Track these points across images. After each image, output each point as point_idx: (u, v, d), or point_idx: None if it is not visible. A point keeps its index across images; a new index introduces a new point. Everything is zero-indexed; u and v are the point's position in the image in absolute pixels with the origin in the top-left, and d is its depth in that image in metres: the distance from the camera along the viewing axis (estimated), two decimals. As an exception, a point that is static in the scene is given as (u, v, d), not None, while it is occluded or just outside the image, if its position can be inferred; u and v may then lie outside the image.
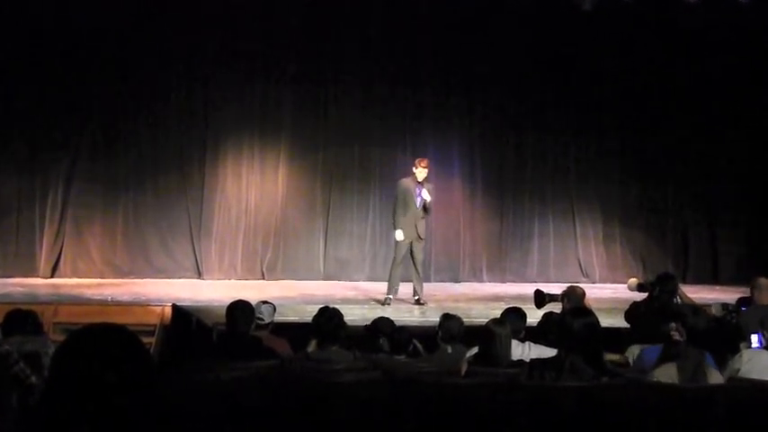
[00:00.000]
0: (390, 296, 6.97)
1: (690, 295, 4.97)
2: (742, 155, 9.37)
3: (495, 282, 9.04)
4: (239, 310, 3.99)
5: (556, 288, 5.02)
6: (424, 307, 6.77)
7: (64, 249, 8.45)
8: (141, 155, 8.67)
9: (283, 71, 8.95)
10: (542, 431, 2.12)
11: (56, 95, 8.43)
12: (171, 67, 8.68)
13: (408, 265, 7.09)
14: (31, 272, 8.25)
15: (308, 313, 5.19)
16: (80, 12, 8.29)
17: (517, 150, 9.38)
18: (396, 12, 8.94)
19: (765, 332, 3.66)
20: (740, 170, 9.39)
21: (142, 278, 8.33)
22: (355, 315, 5.67)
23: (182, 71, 8.72)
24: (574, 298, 4.44)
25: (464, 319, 4.32)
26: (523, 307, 4.32)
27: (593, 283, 8.96)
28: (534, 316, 4.42)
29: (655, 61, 9.16)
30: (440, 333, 4.17)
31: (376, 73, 9.10)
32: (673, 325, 3.32)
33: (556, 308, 4.51)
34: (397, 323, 4.46)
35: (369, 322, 4.34)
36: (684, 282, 7.82)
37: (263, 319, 4.23)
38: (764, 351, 3.50)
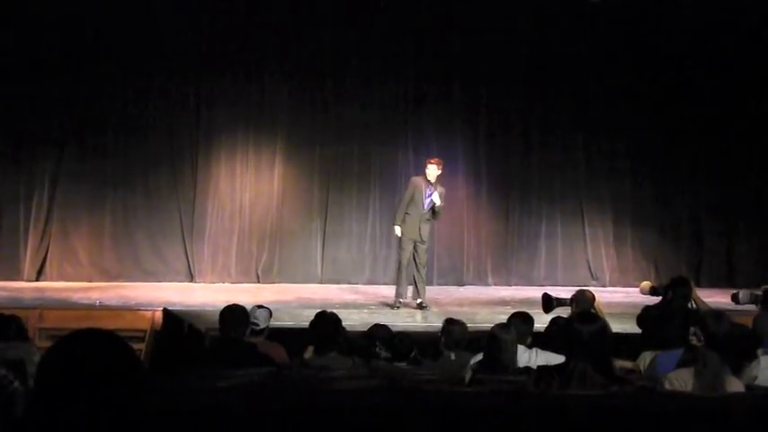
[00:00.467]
0: (401, 299, 6.98)
1: (705, 299, 4.93)
2: (759, 154, 9.39)
3: (500, 285, 9.05)
4: (233, 314, 3.98)
5: (564, 292, 5.02)
6: (427, 311, 6.80)
7: (50, 251, 8.46)
8: (130, 153, 8.68)
9: (279, 65, 8.98)
10: (550, 441, 2.11)
11: (42, 91, 8.42)
12: (162, 62, 8.68)
13: (411, 267, 7.12)
14: (14, 275, 8.25)
15: (304, 318, 5.22)
16: (67, 6, 8.32)
17: (524, 147, 9.37)
18: (397, 3, 8.96)
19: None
20: (758, 170, 9.41)
21: (131, 281, 8.35)
22: (354, 320, 5.69)
23: (173, 65, 8.73)
24: (583, 302, 4.43)
25: (468, 325, 4.31)
26: (530, 311, 4.32)
27: (604, 286, 9.00)
28: (541, 321, 4.42)
29: (669, 56, 9.16)
30: (443, 339, 4.16)
31: (376, 67, 9.11)
32: (692, 329, 3.32)
33: (564, 312, 4.50)
34: (397, 328, 4.48)
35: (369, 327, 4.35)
36: (699, 285, 7.71)
37: (258, 325, 4.23)
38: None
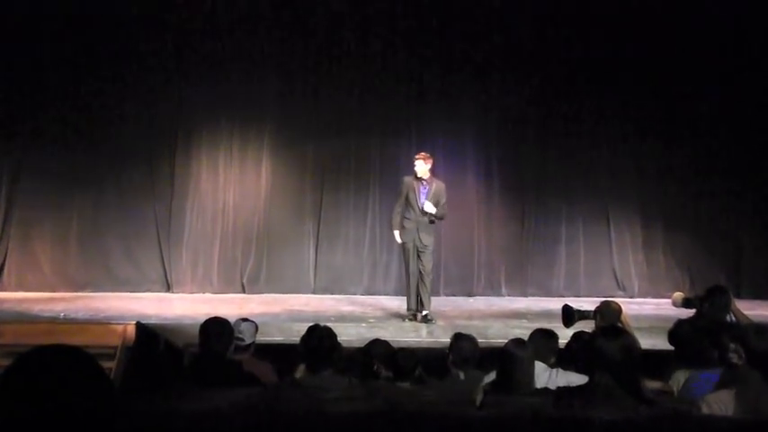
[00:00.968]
0: (413, 310, 6.99)
1: (745, 312, 4.91)
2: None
3: (515, 296, 9.08)
4: (215, 329, 3.97)
5: (587, 303, 4.99)
6: (432, 325, 6.79)
7: (8, 258, 8.48)
8: (101, 147, 8.69)
9: (268, 49, 9.00)
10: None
11: (1, 77, 8.45)
12: (137, 47, 8.70)
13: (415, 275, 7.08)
14: (-32, 285, 8.32)
15: (295, 333, 5.19)
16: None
17: (541, 142, 9.37)
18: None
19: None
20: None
21: (100, 291, 8.38)
22: (351, 335, 5.75)
23: (149, 50, 8.75)
24: (608, 315, 4.42)
25: (479, 340, 4.30)
26: (548, 326, 4.32)
27: (631, 297, 9.02)
28: (562, 336, 4.40)
29: (705, 50, 9.12)
30: (450, 356, 4.15)
31: (376, 51, 9.14)
32: (732, 346, 3.30)
33: (587, 327, 4.49)
34: (400, 344, 4.46)
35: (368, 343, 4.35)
36: (738, 296, 7.72)
37: (244, 340, 4.23)
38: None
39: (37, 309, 7.17)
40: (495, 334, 6.06)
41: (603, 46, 9.16)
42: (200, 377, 3.67)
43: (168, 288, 8.71)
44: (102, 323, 6.49)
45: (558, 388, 2.94)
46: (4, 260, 8.47)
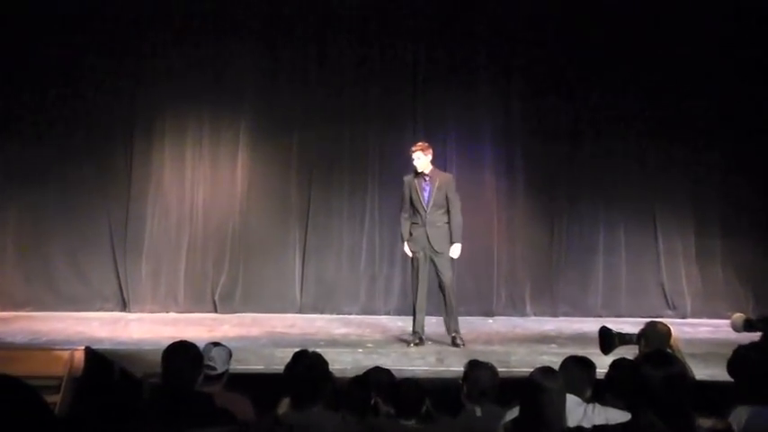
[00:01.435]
0: (420, 333, 7.03)
1: (820, 337, 4.98)
2: None
3: (543, 316, 9.09)
4: (180, 355, 3.94)
5: (629, 325, 5.04)
6: (446, 351, 6.80)
7: (-69, 271, 8.54)
8: (43, 139, 8.71)
9: (244, 18, 9.00)
10: None
11: None
12: (86, 18, 8.71)
13: (423, 290, 7.09)
14: None
15: (278, 360, 5.29)
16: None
17: (574, 133, 9.38)
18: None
19: None
20: None
21: (44, 311, 8.37)
22: (345, 362, 5.79)
23: (101, 23, 8.75)
24: (655, 339, 4.44)
25: (499, 369, 4.30)
26: (583, 352, 4.32)
27: (683, 318, 9.02)
28: (599, 365, 4.36)
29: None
30: (465, 388, 4.14)
31: (376, 23, 9.15)
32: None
33: (629, 353, 4.45)
34: (404, 374, 4.50)
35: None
36: (812, 318, 7.83)
37: (215, 369, 4.22)
38: None
39: (-34, 332, 7.22)
40: (519, 361, 6.08)
41: (654, 33, 9.20)
42: (162, 413, 3.63)
43: (124, 307, 8.72)
44: (44, 349, 6.53)
45: (595, 427, 2.95)
46: (-72, 273, 8.51)
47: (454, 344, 6.94)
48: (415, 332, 7.02)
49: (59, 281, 8.69)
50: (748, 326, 4.81)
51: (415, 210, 6.99)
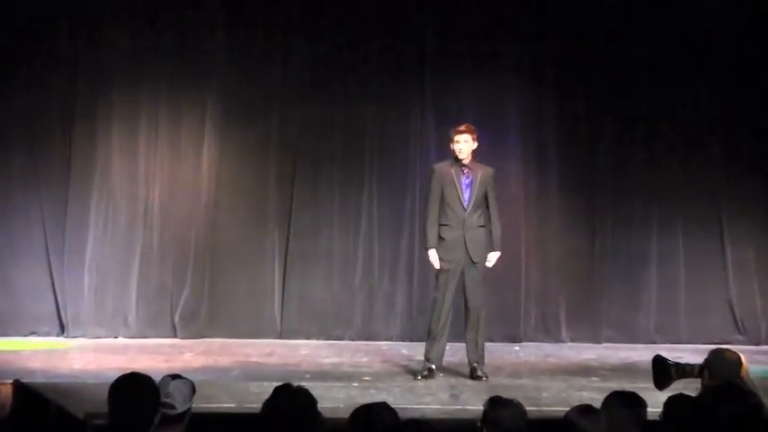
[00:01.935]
0: (432, 365, 6.95)
1: None
2: None
3: (581, 341, 9.10)
4: (132, 391, 3.89)
5: (689, 353, 5.01)
6: (461, 385, 6.78)
7: None
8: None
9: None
10: None
11: None
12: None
13: (447, 309, 6.99)
14: None
15: (253, 397, 5.27)
16: None
17: (621, 123, 9.40)
18: None
19: None
20: None
21: (-37, 337, 8.36)
22: (338, 399, 5.79)
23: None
24: (722, 369, 4.39)
25: (527, 408, 4.25)
26: (633, 387, 4.28)
27: (757, 344, 9.01)
28: (651, 402, 4.28)
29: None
30: (484, 430, 4.13)
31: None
32: None
33: (690, 387, 4.43)
34: (410, 413, 4.44)
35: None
36: None
37: (174, 407, 4.09)
38: None
39: None
40: (552, 398, 6.05)
41: (712, 24, 9.29)
42: (108, 461, 3.57)
43: (62, 331, 8.71)
44: (-40, 382, 6.52)
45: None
46: None
47: (473, 376, 6.89)
48: (427, 359, 6.94)
49: (-19, 298, 8.69)
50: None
51: (449, 208, 6.90)
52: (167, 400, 4.13)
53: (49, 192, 8.85)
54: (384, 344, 8.70)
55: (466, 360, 7.05)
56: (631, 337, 9.08)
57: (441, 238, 6.94)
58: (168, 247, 8.95)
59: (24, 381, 6.30)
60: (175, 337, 8.77)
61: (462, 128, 7.00)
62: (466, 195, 6.91)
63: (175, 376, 4.28)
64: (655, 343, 8.72)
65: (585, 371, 7.49)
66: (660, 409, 4.30)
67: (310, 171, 9.13)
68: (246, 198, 9.11)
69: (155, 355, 7.76)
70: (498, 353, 8.20)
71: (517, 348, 8.79)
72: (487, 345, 7.92)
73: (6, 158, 8.81)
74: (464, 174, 6.93)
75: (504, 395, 4.35)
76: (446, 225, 6.93)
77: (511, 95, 9.32)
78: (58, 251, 8.81)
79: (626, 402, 4.00)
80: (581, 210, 9.37)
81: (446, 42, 9.27)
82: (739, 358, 4.48)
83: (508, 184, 9.00)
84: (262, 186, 9.10)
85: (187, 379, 4.29)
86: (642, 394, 4.19)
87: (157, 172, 8.99)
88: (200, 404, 4.42)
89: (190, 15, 9.01)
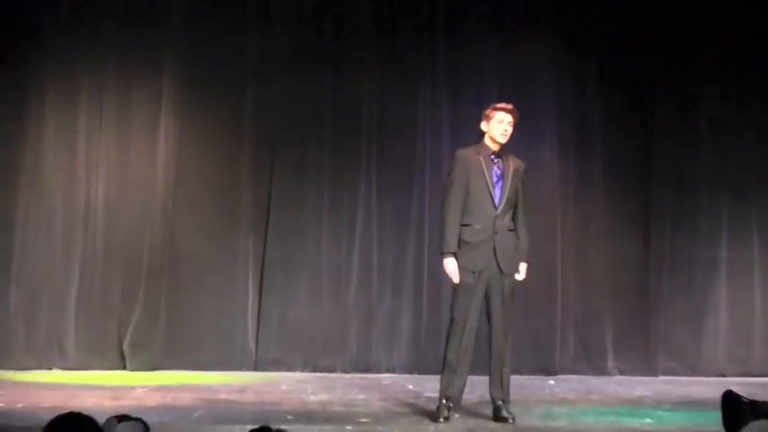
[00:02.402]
0: (449, 403, 6.82)
1: None
2: None
3: (633, 374, 9.17)
4: (70, 432, 3.87)
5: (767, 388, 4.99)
6: (482, 428, 6.66)
7: None
8: None
9: None
10: None
11: None
12: None
13: (470, 333, 6.84)
14: None
15: None
16: None
17: (683, 100, 9.48)
18: None
19: None
20: None
21: None
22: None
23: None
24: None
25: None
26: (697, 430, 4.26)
27: None
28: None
29: None
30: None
31: None
32: None
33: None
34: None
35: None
36: None
37: (122, 455, 4.20)
38: None
39: None
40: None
41: None
42: None
43: (-15, 361, 8.66)
44: None
45: None
46: None
47: (498, 417, 6.76)
48: (446, 398, 6.82)
49: None
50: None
51: (476, 205, 6.77)
52: (114, 447, 4.17)
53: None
54: (385, 377, 8.71)
55: (488, 397, 6.89)
56: (694, 368, 9.18)
57: (464, 242, 6.80)
58: (116, 255, 8.95)
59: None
60: (124, 368, 8.77)
61: (500, 105, 6.85)
62: (497, 190, 6.78)
63: (123, 417, 4.38)
64: (724, 376, 8.79)
65: (638, 411, 7.44)
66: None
67: (293, 161, 9.17)
68: (213, 195, 9.12)
69: (98, 390, 7.68)
70: (529, 388, 8.23)
71: (552, 383, 8.83)
72: (518, 378, 7.95)
73: None
74: (495, 164, 6.84)
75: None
76: (471, 226, 6.77)
77: (545, 68, 9.42)
78: (-25, 262, 8.82)
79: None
80: (632, 210, 9.47)
81: (461, 4, 9.38)
82: (831, 398, 4.69)
83: (541, 178, 8.99)
84: (232, 180, 9.13)
85: (139, 420, 4.39)
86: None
87: (101, 162, 9.00)
88: (154, 452, 4.39)
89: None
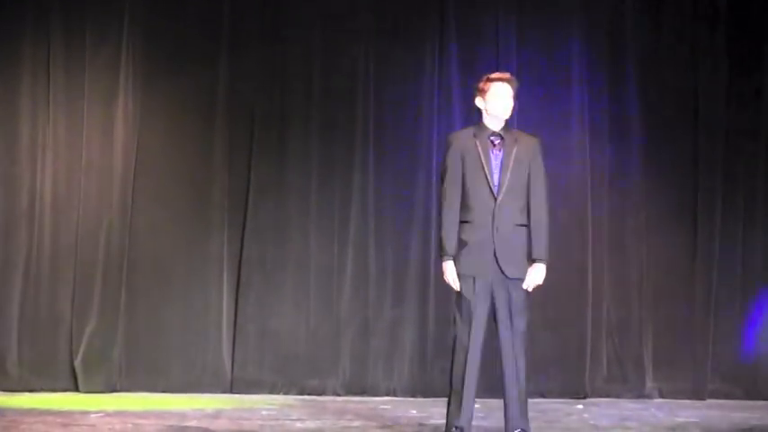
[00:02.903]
0: (463, 426, 6.82)
1: None
2: None
3: (676, 396, 9.21)
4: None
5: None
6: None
7: None
8: None
9: None
10: None
11: None
12: None
13: (477, 350, 6.78)
14: None
15: None
16: None
17: (739, 69, 9.56)
18: None
19: None
20: None
21: None
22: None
23: None
24: None
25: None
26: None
27: None
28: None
29: None
30: None
31: None
32: None
33: None
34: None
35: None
36: None
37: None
38: None
39: None
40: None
41: None
42: None
43: None
44: None
45: None
46: None
47: None
48: (453, 426, 6.92)
49: None
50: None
51: (473, 197, 6.71)
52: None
53: None
54: (384, 401, 8.80)
55: (503, 425, 6.87)
56: (751, 391, 9.23)
57: (462, 242, 6.77)
58: (65, 257, 9.00)
59: None
60: (77, 390, 8.82)
61: (507, 74, 6.85)
62: (496, 177, 6.73)
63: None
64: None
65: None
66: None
67: (275, 142, 9.23)
68: (181, 184, 9.19)
69: (46, 416, 7.71)
70: (554, 413, 8.27)
71: (580, 407, 8.84)
72: (540, 402, 8.20)
73: None
74: (494, 145, 6.85)
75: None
76: (468, 222, 6.74)
77: (573, 29, 9.50)
78: None
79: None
80: (676, 200, 9.53)
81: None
82: None
83: (567, 162, 9.18)
84: (203, 167, 9.19)
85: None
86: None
87: (48, 145, 9.06)
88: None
89: None
